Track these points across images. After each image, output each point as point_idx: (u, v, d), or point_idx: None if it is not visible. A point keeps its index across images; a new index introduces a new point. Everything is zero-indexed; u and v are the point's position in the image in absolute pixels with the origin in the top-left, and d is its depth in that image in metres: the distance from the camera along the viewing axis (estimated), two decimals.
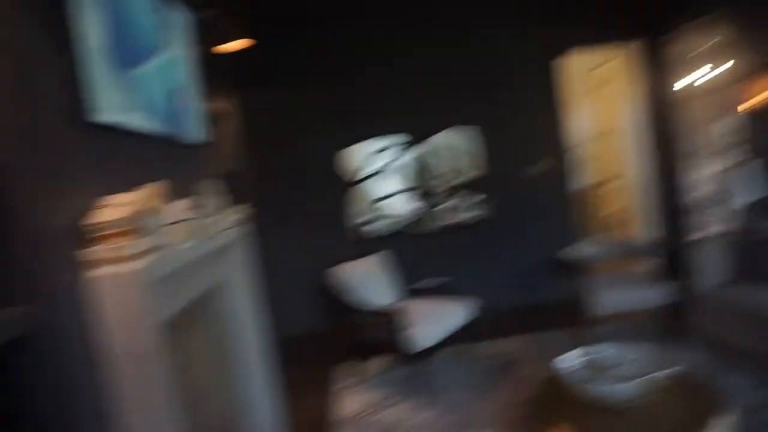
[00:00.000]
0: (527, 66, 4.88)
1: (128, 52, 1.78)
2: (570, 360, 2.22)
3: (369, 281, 3.48)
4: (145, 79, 1.91)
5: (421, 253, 4.85)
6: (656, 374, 1.98)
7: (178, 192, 2.14)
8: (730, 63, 3.81)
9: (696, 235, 3.87)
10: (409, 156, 4.95)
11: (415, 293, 3.67)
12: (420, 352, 3.06)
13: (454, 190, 4.99)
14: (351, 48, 4.73)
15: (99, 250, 1.43)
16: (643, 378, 1.97)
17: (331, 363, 3.77)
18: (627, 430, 1.94)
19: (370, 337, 3.20)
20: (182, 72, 2.35)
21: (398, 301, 3.58)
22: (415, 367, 3.15)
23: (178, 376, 2.57)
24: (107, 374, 1.43)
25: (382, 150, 4.86)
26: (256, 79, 4.52)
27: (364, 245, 4.69)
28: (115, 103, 1.64)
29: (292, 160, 4.73)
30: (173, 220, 1.83)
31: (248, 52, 3.50)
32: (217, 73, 3.43)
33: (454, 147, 4.92)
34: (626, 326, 3.87)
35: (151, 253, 1.54)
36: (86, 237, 1.44)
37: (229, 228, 2.49)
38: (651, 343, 3.34)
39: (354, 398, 3.26)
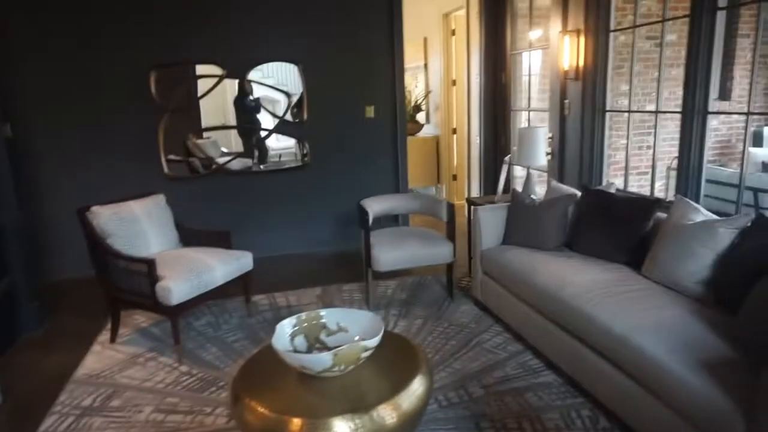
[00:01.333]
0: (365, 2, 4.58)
1: None
2: (287, 326, 2.13)
3: (137, 224, 3.16)
4: None
5: (218, 196, 4.60)
6: (357, 343, 1.94)
7: None
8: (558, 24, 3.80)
9: (497, 196, 3.98)
10: (229, 88, 4.56)
11: (195, 241, 3.41)
12: (182, 305, 2.85)
13: (272, 131, 4.72)
14: None
15: None
16: (339, 347, 1.92)
17: (95, 313, 3.45)
18: (319, 397, 1.89)
19: (129, 287, 2.92)
20: None
21: (168, 249, 3.30)
22: (177, 321, 2.93)
23: None
24: None
25: (198, 78, 4.42)
26: None
27: (164, 181, 4.32)
28: None
29: (79, 77, 4.13)
30: None
31: None
32: None
33: (276, 84, 4.60)
34: (405, 283, 3.94)
35: None
36: None
37: None
38: (374, 309, 3.45)
39: (102, 354, 3.01)
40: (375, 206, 3.65)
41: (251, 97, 4.56)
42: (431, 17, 6.32)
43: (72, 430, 2.34)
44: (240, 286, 3.33)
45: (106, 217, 3.03)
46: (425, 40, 6.69)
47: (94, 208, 3.03)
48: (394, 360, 2.11)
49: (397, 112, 4.83)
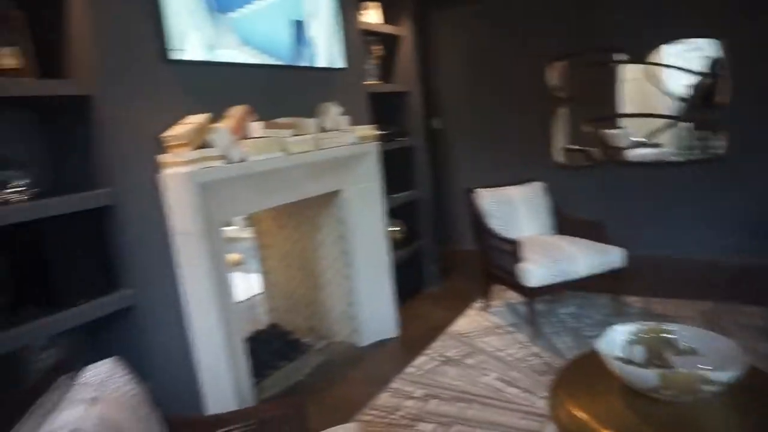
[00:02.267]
0: None
1: None
2: (623, 332, 1.93)
3: (513, 208, 3.42)
4: (252, 18, 2.34)
5: (608, 187, 4.37)
6: (697, 371, 1.61)
7: (288, 112, 2.58)
8: None
9: None
10: (632, 76, 4.28)
11: (569, 229, 3.43)
12: (539, 289, 2.97)
13: (681, 121, 4.16)
14: None
15: (168, 156, 2.00)
16: (673, 370, 1.64)
17: (477, 283, 3.91)
18: (641, 420, 1.67)
19: (498, 264, 3.23)
20: (311, 4, 2.69)
21: (539, 234, 3.42)
22: (533, 303, 3.06)
23: (282, 261, 3.20)
24: (168, 242, 2.06)
25: (602, 64, 4.33)
26: (435, 2, 4.57)
27: (554, 169, 4.44)
28: (205, 42, 2.12)
29: (485, 76, 4.67)
30: (256, 136, 2.29)
31: None
32: None
33: (686, 67, 4.03)
34: None
35: (203, 162, 2.04)
36: (163, 146, 2.02)
37: (348, 144, 2.84)
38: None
39: (473, 318, 3.42)
40: None
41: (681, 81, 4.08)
42: None
43: (434, 371, 2.80)
44: (611, 282, 3.17)
45: (487, 198, 3.40)
46: None
47: (479, 190, 3.44)
48: (757, 404, 1.64)
49: None
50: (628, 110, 4.36)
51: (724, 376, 1.59)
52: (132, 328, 2.02)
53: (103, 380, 1.23)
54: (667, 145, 4.26)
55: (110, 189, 1.90)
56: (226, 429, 1.49)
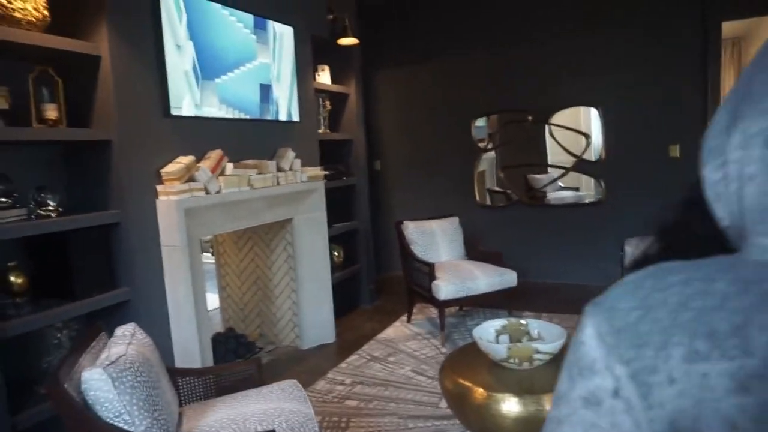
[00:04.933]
0: (678, 32, 4.57)
1: (210, 69, 2.93)
2: (492, 325, 2.71)
3: (433, 237, 4.21)
4: (230, 83, 3.06)
5: (516, 223, 5.26)
6: (530, 344, 2.39)
7: (254, 155, 3.29)
8: None
9: None
10: (535, 132, 5.25)
11: (475, 256, 4.24)
12: (447, 302, 3.73)
13: (571, 169, 5.14)
14: (472, 26, 5.22)
15: (163, 187, 2.66)
16: (516, 344, 2.41)
17: (404, 301, 4.65)
18: (499, 380, 2.42)
19: (418, 282, 3.98)
20: (275, 71, 3.44)
21: (452, 259, 4.22)
22: (443, 312, 3.81)
23: (242, 273, 3.83)
24: (157, 253, 2.69)
25: (509, 123, 5.28)
26: (378, 64, 5.47)
27: (475, 207, 5.31)
28: (194, 102, 2.82)
29: (422, 128, 5.55)
30: (228, 174, 2.98)
31: (370, 42, 4.40)
32: (335, 63, 4.46)
33: (574, 127, 5.04)
34: None
35: (189, 192, 2.71)
36: (160, 178, 2.68)
37: (300, 181, 3.57)
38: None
39: (398, 328, 4.15)
40: (640, 245, 3.72)
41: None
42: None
43: (362, 366, 3.49)
44: (509, 300, 3.97)
45: (411, 229, 4.18)
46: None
47: (406, 222, 4.22)
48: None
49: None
50: (538, 161, 5.32)
51: (548, 347, 2.38)
52: (126, 318, 2.62)
53: (132, 334, 1.86)
54: (570, 191, 5.24)
55: (119, 210, 2.53)
56: (205, 377, 2.13)
